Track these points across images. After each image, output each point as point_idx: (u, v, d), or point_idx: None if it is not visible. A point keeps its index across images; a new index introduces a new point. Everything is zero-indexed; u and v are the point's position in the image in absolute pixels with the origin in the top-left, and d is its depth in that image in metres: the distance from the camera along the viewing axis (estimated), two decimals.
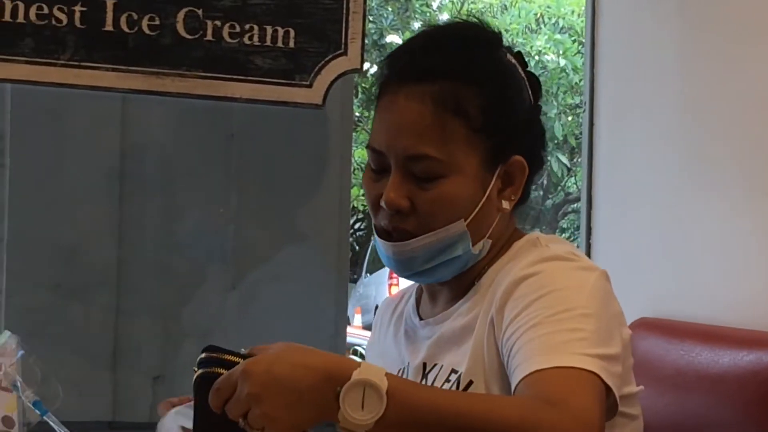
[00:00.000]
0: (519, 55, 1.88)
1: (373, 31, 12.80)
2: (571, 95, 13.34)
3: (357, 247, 14.69)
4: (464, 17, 1.90)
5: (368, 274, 13.88)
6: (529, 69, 1.88)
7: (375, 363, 1.59)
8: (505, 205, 1.82)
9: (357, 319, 12.62)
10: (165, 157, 3.33)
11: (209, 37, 2.99)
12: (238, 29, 3.01)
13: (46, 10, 2.87)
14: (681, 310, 3.13)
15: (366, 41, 3.22)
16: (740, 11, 3.09)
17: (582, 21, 11.54)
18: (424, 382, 1.80)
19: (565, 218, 15.24)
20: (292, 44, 3.05)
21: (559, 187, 15.00)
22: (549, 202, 15.17)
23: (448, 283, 1.85)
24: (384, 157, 1.79)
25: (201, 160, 3.36)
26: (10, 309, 3.15)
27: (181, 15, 2.96)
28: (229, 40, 3.00)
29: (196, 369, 1.50)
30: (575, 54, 13.06)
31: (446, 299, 1.87)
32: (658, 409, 2.82)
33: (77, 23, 2.89)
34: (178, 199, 3.34)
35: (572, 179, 14.50)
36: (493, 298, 1.74)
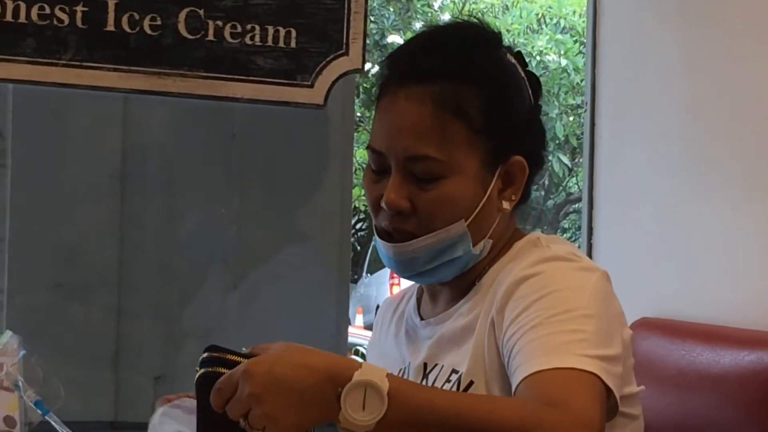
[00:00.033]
0: (519, 55, 1.88)
1: (374, 31, 12.80)
2: (573, 95, 13.34)
3: (359, 248, 14.69)
4: (464, 17, 1.90)
5: (369, 275, 13.88)
6: (529, 69, 1.88)
7: (376, 363, 1.59)
8: (506, 205, 1.82)
9: (359, 319, 12.62)
10: (166, 157, 3.33)
11: (211, 37, 2.99)
12: (239, 29, 3.01)
13: (47, 10, 2.87)
14: (682, 310, 3.13)
15: (367, 41, 3.22)
16: (741, 11, 3.09)
17: (583, 21, 11.55)
18: (424, 382, 1.80)
19: (567, 218, 15.24)
20: (293, 44, 3.05)
21: (561, 187, 14.99)
22: (550, 202, 15.17)
23: (449, 283, 1.85)
24: (384, 158, 1.79)
25: (202, 160, 3.36)
26: (12, 309, 3.15)
27: (182, 15, 2.96)
28: (230, 40, 3.00)
29: (198, 368, 1.50)
30: (577, 54, 13.06)
31: (447, 299, 1.87)
32: (659, 409, 2.82)
33: (79, 23, 2.89)
34: (179, 199, 3.34)
35: (573, 179, 14.49)
36: (493, 299, 1.74)
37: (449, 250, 1.79)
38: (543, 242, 1.83)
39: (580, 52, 12.77)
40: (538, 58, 13.23)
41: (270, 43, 3.03)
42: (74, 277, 3.23)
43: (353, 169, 3.74)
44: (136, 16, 2.93)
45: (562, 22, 13.67)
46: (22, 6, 2.84)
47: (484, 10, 13.75)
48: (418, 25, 13.26)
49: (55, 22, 2.87)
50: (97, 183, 3.26)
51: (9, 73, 2.86)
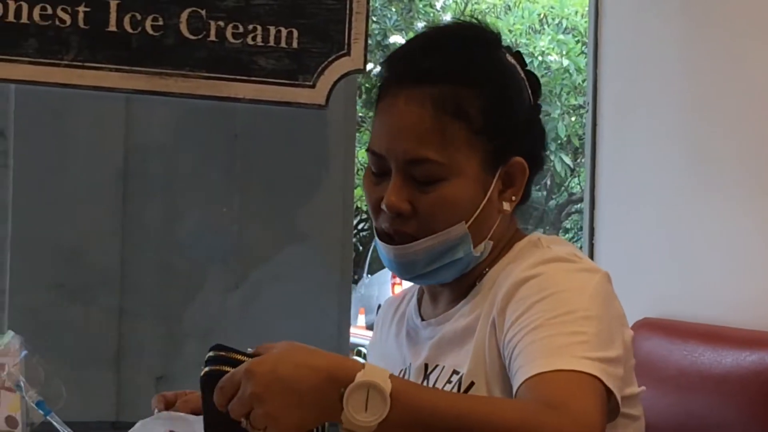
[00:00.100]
0: (518, 55, 1.88)
1: (376, 31, 12.79)
2: (575, 96, 13.34)
3: (360, 248, 14.68)
4: (463, 18, 1.90)
5: (369, 275, 13.88)
6: (528, 68, 1.88)
7: (377, 363, 1.59)
8: (506, 206, 1.82)
9: (360, 320, 12.62)
10: (168, 158, 3.33)
11: (212, 37, 2.99)
12: (241, 30, 3.01)
13: (49, 11, 2.87)
14: (684, 310, 3.13)
15: (369, 42, 3.23)
16: (744, 10, 3.09)
17: (585, 21, 11.55)
18: (425, 383, 1.80)
19: (569, 219, 15.24)
20: (295, 45, 3.05)
21: (563, 188, 14.99)
22: (552, 203, 15.17)
23: (450, 284, 1.85)
24: (384, 160, 1.78)
25: (204, 161, 3.36)
26: (14, 309, 3.15)
27: (184, 15, 2.97)
28: (232, 40, 3.01)
29: (203, 367, 1.50)
30: (579, 54, 13.06)
31: (447, 300, 1.87)
32: (661, 409, 2.82)
33: (81, 24, 2.89)
34: (180, 200, 3.34)
35: (575, 180, 14.49)
36: (494, 300, 1.74)
37: (450, 252, 1.79)
38: (544, 243, 1.83)
39: (582, 52, 12.77)
40: (540, 58, 13.23)
41: (272, 43, 3.03)
42: (76, 277, 3.24)
43: (355, 170, 3.75)
44: (138, 17, 2.94)
45: (564, 22, 13.67)
46: (24, 6, 2.85)
47: (486, 11, 13.75)
48: (420, 25, 13.26)
49: (57, 23, 2.88)
50: (98, 183, 3.26)
51: (11, 73, 2.86)
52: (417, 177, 1.76)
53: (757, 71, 3.01)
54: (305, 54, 3.06)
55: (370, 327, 11.16)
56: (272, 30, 3.03)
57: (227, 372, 1.46)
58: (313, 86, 3.07)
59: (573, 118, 13.48)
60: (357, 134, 4.01)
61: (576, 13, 13.57)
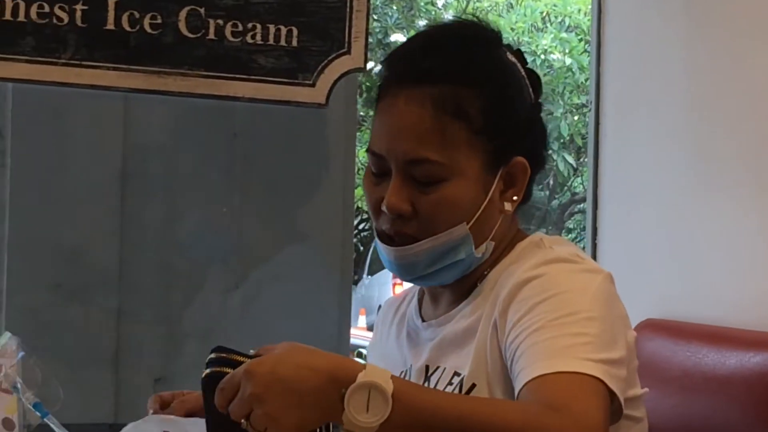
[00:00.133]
0: (519, 53, 1.87)
1: (377, 29, 12.79)
2: (577, 94, 13.33)
3: (361, 248, 14.68)
4: (463, 16, 1.89)
5: (369, 276, 13.88)
6: (529, 66, 1.88)
7: (377, 364, 1.59)
8: (508, 206, 1.82)
9: (361, 321, 12.62)
10: (167, 157, 3.33)
11: (211, 35, 2.99)
12: (240, 28, 3.01)
13: (47, 9, 2.87)
14: (687, 311, 3.13)
15: (370, 40, 3.23)
16: (746, 9, 3.09)
17: (588, 19, 11.54)
18: (426, 385, 1.80)
19: (572, 219, 15.24)
20: (295, 43, 3.05)
21: (566, 187, 14.99)
22: (555, 203, 15.17)
23: (451, 285, 1.85)
24: (384, 160, 1.78)
25: (203, 160, 3.36)
26: (11, 309, 3.15)
27: (183, 13, 2.97)
28: (231, 38, 3.01)
29: (205, 369, 1.51)
30: (582, 53, 13.05)
31: (448, 301, 1.87)
32: (664, 410, 2.82)
33: (78, 22, 2.89)
34: (180, 199, 3.34)
35: (578, 179, 14.49)
36: (496, 301, 1.74)
37: (451, 253, 1.78)
38: (546, 243, 1.82)
39: (585, 50, 12.77)
40: (542, 56, 13.23)
41: (271, 41, 3.03)
42: (74, 277, 3.24)
43: (356, 169, 3.75)
44: (137, 15, 2.93)
45: (567, 20, 13.66)
46: (21, 4, 2.85)
47: (488, 8, 13.75)
48: (421, 24, 13.26)
49: (55, 21, 2.88)
50: (97, 182, 3.26)
51: (8, 72, 2.86)
52: (417, 177, 1.75)
53: (759, 71, 3.01)
54: (305, 52, 3.06)
55: (370, 328, 11.15)
56: (272, 28, 3.03)
57: (228, 373, 1.47)
58: (313, 85, 3.07)
59: (576, 117, 13.48)
60: (357, 133, 4.01)
61: (579, 11, 13.57)
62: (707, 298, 3.12)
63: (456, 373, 1.77)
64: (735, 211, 3.07)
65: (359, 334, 10.19)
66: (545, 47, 13.43)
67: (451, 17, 2.12)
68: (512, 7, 14.08)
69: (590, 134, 3.77)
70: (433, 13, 13.61)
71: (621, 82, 3.63)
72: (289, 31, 3.04)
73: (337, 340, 3.43)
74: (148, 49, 2.95)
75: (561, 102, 13.25)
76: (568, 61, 13.31)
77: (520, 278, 1.71)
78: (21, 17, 2.85)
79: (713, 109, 3.19)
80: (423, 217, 1.76)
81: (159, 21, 2.95)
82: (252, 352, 1.49)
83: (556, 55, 13.46)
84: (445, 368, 1.80)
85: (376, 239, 1.84)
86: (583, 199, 13.01)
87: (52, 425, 1.95)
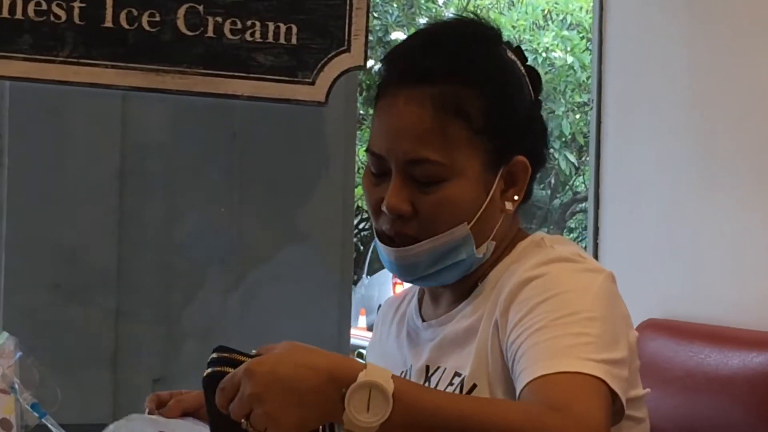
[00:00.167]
0: (518, 50, 1.87)
1: (377, 27, 12.78)
2: (579, 93, 13.32)
3: (361, 248, 14.68)
4: (462, 14, 1.89)
5: (368, 277, 13.87)
6: (528, 63, 1.88)
7: (376, 363, 1.59)
8: (509, 205, 1.81)
9: (361, 321, 12.61)
10: (166, 156, 3.33)
11: (210, 33, 2.99)
12: (239, 25, 3.01)
13: (44, 6, 2.87)
14: (689, 310, 3.14)
15: (370, 38, 3.23)
16: (748, 8, 3.09)
17: (590, 17, 11.53)
18: (426, 385, 1.80)
19: (573, 218, 15.23)
20: (294, 41, 3.05)
21: (567, 186, 14.98)
22: (557, 202, 15.15)
23: (451, 285, 1.84)
24: (384, 161, 1.78)
25: (202, 159, 3.36)
26: (9, 309, 3.15)
27: (181, 11, 2.97)
28: (230, 36, 3.01)
29: (206, 369, 1.51)
30: (583, 51, 13.05)
31: (449, 301, 1.87)
32: (666, 411, 2.82)
33: (76, 19, 2.89)
34: (179, 199, 3.34)
35: (580, 178, 14.49)
36: (497, 300, 1.74)
37: (452, 254, 1.78)
38: (547, 243, 1.82)
39: (587, 48, 12.76)
40: (544, 54, 13.22)
41: (270, 39, 3.03)
42: (72, 277, 3.24)
43: (356, 168, 3.75)
44: (135, 12, 2.93)
45: (569, 18, 13.65)
46: (19, 2, 2.85)
47: (489, 6, 13.75)
48: (422, 21, 13.24)
49: (52, 18, 2.88)
50: (95, 182, 3.26)
51: (5, 70, 2.86)
52: (417, 178, 1.75)
53: (761, 69, 3.02)
54: (304, 50, 3.06)
55: (370, 328, 11.13)
56: (271, 26, 3.03)
57: (229, 373, 1.47)
58: (312, 83, 3.07)
59: (578, 116, 13.47)
60: (358, 132, 4.01)
61: (580, 9, 13.57)
62: (709, 297, 3.12)
63: (457, 374, 1.77)
64: (738, 210, 3.07)
65: (359, 334, 10.18)
66: (546, 45, 13.41)
67: (451, 15, 2.11)
68: (513, 5, 14.07)
69: (592, 133, 3.77)
70: (434, 10, 13.60)
71: (623, 80, 3.63)
72: (289, 29, 3.04)
73: (337, 340, 3.43)
74: (147, 47, 2.95)
75: (562, 100, 13.24)
76: (570, 59, 13.30)
77: (521, 278, 1.71)
78: (18, 14, 2.85)
79: (715, 107, 3.19)
80: (423, 218, 1.76)
81: (157, 18, 2.95)
82: (254, 351, 1.49)
83: (557, 53, 13.45)
84: (445, 368, 1.80)
85: (376, 240, 1.84)
86: (585, 198, 13.01)
87: (50, 426, 1.95)
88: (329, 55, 3.07)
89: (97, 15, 2.90)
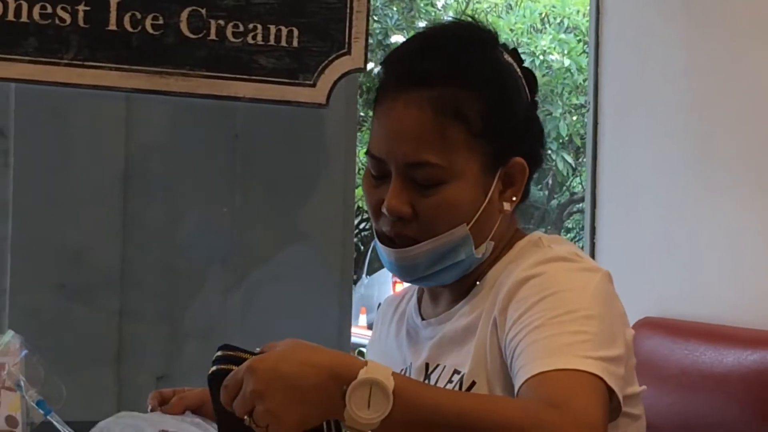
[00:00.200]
0: (514, 52, 1.87)
1: (377, 30, 12.78)
2: (576, 95, 13.32)
3: (362, 247, 14.68)
4: (459, 17, 1.89)
5: (368, 276, 13.87)
6: (524, 65, 1.88)
7: (376, 361, 1.59)
8: (507, 206, 1.82)
9: (362, 320, 12.60)
10: (169, 157, 3.33)
11: (213, 36, 2.99)
12: (241, 29, 3.01)
13: (49, 10, 2.87)
14: (685, 309, 3.14)
15: (371, 41, 3.23)
16: (745, 10, 3.09)
17: (587, 21, 11.52)
18: (426, 383, 1.80)
19: (570, 218, 15.23)
20: (295, 44, 3.05)
21: (564, 187, 14.98)
22: (554, 202, 15.16)
23: (450, 284, 1.84)
24: (384, 163, 1.78)
25: (205, 160, 3.36)
26: (15, 309, 3.15)
27: (184, 14, 2.97)
28: (232, 39, 3.01)
29: (212, 366, 1.51)
30: (580, 54, 13.05)
31: (448, 300, 1.87)
32: (662, 408, 2.82)
33: (81, 23, 2.89)
34: (181, 200, 3.34)
35: (577, 179, 14.48)
36: (495, 299, 1.74)
37: (451, 255, 1.78)
38: (545, 242, 1.82)
39: (584, 51, 12.76)
40: (541, 57, 13.22)
41: (272, 42, 3.03)
42: (77, 277, 3.24)
43: (356, 169, 3.75)
44: (138, 16, 2.94)
45: (566, 21, 13.65)
46: (24, 5, 2.85)
47: (488, 10, 13.75)
48: (421, 25, 13.24)
49: (57, 22, 2.88)
50: (99, 183, 3.26)
51: (11, 72, 2.86)
52: (417, 180, 1.75)
53: (757, 71, 3.02)
54: (306, 53, 3.06)
55: (371, 326, 11.11)
56: (272, 29, 3.03)
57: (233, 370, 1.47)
58: (313, 85, 3.07)
59: (575, 118, 13.46)
60: (358, 134, 4.01)
61: (577, 12, 13.57)
62: (705, 296, 3.12)
63: (456, 371, 1.77)
64: (733, 211, 3.08)
65: (360, 332, 10.18)
66: (544, 48, 13.41)
67: (449, 18, 2.11)
68: (511, 9, 14.07)
69: (589, 134, 3.77)
70: (433, 14, 13.60)
71: (619, 82, 3.63)
72: (290, 32, 3.04)
73: (338, 339, 3.43)
74: (150, 50, 2.95)
75: (560, 102, 13.24)
76: (567, 62, 13.30)
77: (519, 277, 1.71)
78: (24, 18, 2.85)
79: (712, 109, 3.19)
80: (423, 219, 1.76)
81: (161, 22, 2.95)
82: (258, 350, 1.50)
83: (554, 56, 13.45)
84: (445, 366, 1.80)
85: (377, 241, 1.84)
86: (582, 199, 13.00)
87: (55, 423, 1.95)
88: (330, 58, 3.07)
89: (101, 18, 2.90)
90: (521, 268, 1.73)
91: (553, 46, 13.44)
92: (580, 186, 14.18)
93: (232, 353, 1.50)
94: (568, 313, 1.63)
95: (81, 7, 2.89)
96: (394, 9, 13.54)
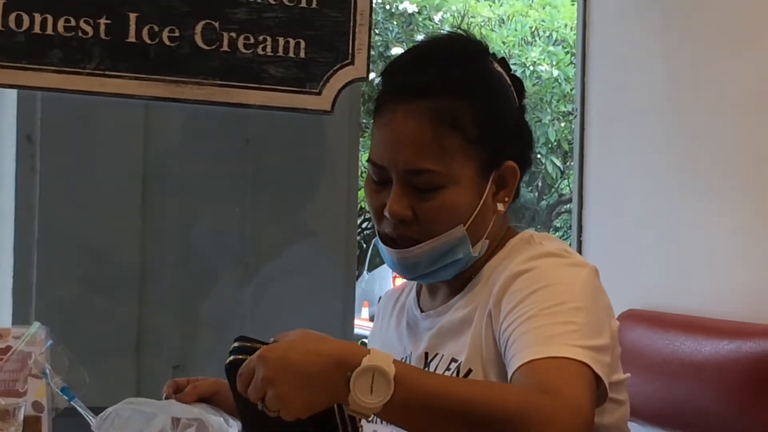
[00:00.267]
0: (503, 61, 1.87)
1: (378, 43, 12.77)
2: (564, 103, 13.31)
3: (364, 245, 14.67)
4: (454, 29, 1.89)
5: (368, 273, 13.86)
6: (512, 72, 1.88)
7: None
8: (500, 207, 1.82)
9: (364, 312, 12.60)
10: (185, 161, 3.33)
11: (225, 47, 2.98)
12: (252, 40, 3.01)
13: (73, 23, 2.87)
14: (666, 302, 3.14)
15: (372, 52, 3.22)
16: (721, 25, 3.09)
17: (574, 34, 11.52)
18: (426, 370, 1.80)
19: (559, 218, 15.22)
20: (302, 54, 3.05)
21: (553, 189, 14.97)
22: (543, 203, 15.14)
23: (447, 280, 1.85)
24: (385, 170, 1.78)
25: (218, 164, 3.36)
26: (41, 302, 3.15)
27: (199, 27, 2.96)
28: (243, 50, 3.00)
29: (228, 356, 1.52)
30: (568, 65, 13.03)
31: (445, 293, 1.87)
32: (646, 395, 2.82)
33: (102, 35, 2.89)
34: (196, 200, 3.34)
35: (565, 181, 14.47)
36: (490, 293, 1.74)
37: (450, 253, 1.79)
38: (536, 240, 1.83)
39: (571, 62, 12.74)
40: (531, 68, 13.20)
41: (281, 53, 3.03)
42: (99, 272, 3.24)
43: (359, 172, 3.74)
44: (156, 28, 2.93)
45: (555, 34, 13.63)
46: (50, 19, 2.85)
47: (482, 24, 13.73)
48: (419, 38, 13.22)
49: (80, 34, 2.87)
50: (120, 184, 3.26)
51: (37, 81, 2.86)
52: (417, 185, 1.76)
53: (733, 81, 3.01)
54: (312, 63, 3.05)
55: (372, 318, 11.09)
56: (281, 41, 3.03)
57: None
58: (319, 93, 3.07)
59: (562, 124, 13.45)
60: (361, 139, 4.01)
61: (565, 26, 13.55)
62: (684, 290, 3.12)
63: (453, 359, 1.77)
64: (709, 211, 3.07)
65: (362, 324, 10.17)
66: (534, 59, 13.40)
67: (443, 32, 2.10)
68: (504, 23, 14.05)
69: (576, 140, 3.77)
70: (431, 27, 13.58)
71: (604, 91, 3.63)
72: (298, 44, 3.04)
73: (342, 330, 3.43)
74: (167, 60, 2.94)
75: (549, 110, 13.22)
76: (556, 72, 13.28)
77: (512, 271, 1.72)
78: (49, 31, 2.85)
79: (689, 116, 3.19)
80: (423, 222, 1.77)
81: (177, 34, 2.95)
82: (272, 339, 1.50)
83: (544, 67, 13.44)
84: (443, 355, 1.80)
85: (379, 242, 1.84)
86: (570, 200, 12.99)
87: (78, 408, 1.95)
88: (335, 68, 3.07)
89: (121, 31, 2.90)
90: (514, 263, 1.74)
91: (542, 57, 13.43)
92: (568, 188, 14.17)
93: (247, 344, 1.50)
94: (558, 305, 1.63)
95: (102, 21, 2.89)
96: (395, 23, 13.52)
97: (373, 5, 3.14)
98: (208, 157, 3.35)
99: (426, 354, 1.84)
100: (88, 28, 2.88)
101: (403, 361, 1.86)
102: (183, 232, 3.33)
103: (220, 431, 1.77)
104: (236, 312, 3.35)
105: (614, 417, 1.77)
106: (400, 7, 13.19)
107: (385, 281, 12.29)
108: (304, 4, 3.05)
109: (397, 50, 12.76)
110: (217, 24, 2.98)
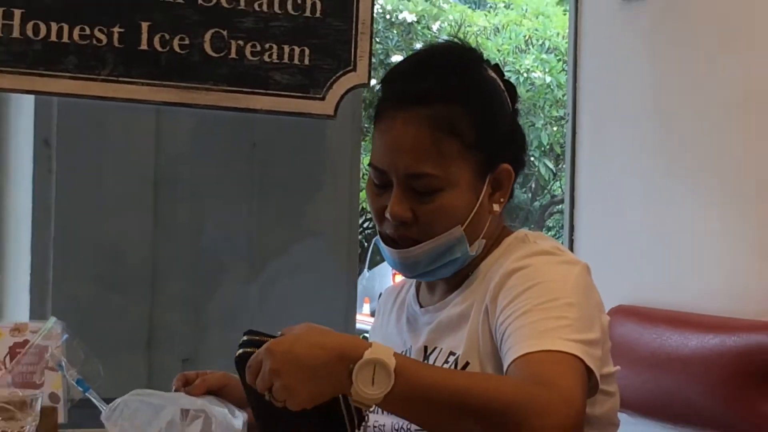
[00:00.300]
0: (497, 68, 1.88)
1: (380, 51, 12.76)
2: (556, 108, 13.30)
3: (365, 244, 14.67)
4: (450, 38, 1.89)
5: (368, 271, 13.85)
6: (506, 78, 1.89)
7: None
8: (496, 207, 1.82)
9: (365, 308, 12.59)
10: (194, 164, 3.33)
11: (233, 55, 2.98)
12: (259, 48, 3.01)
13: (87, 31, 2.87)
14: (654, 298, 3.14)
15: (373, 60, 3.22)
16: (707, 33, 3.09)
17: (566, 42, 11.51)
18: (425, 363, 1.80)
19: (551, 218, 15.21)
20: (307, 62, 3.05)
21: (546, 190, 14.96)
22: (537, 204, 15.14)
23: (446, 277, 1.85)
24: (386, 174, 1.79)
25: (226, 166, 3.36)
26: (58, 298, 3.15)
27: (208, 35, 2.96)
28: (251, 58, 3.00)
29: (238, 350, 1.52)
30: (560, 72, 13.03)
31: (443, 290, 1.87)
32: (635, 387, 2.83)
33: (116, 43, 2.89)
34: (206, 202, 3.34)
35: (558, 183, 14.47)
36: (486, 289, 1.75)
37: (448, 253, 1.79)
38: (530, 238, 1.83)
39: (563, 69, 12.74)
40: (525, 75, 13.20)
41: (286, 60, 3.03)
42: (112, 271, 3.23)
43: (360, 174, 3.75)
44: (167, 37, 2.93)
45: (547, 43, 13.63)
46: (65, 27, 2.84)
47: (478, 32, 13.73)
48: (418, 46, 13.22)
49: (95, 42, 2.87)
50: (132, 187, 3.26)
51: (54, 87, 2.86)
52: (417, 188, 1.76)
53: (719, 87, 3.02)
54: (316, 70, 3.05)
55: (373, 314, 11.06)
56: (287, 48, 3.03)
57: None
58: (323, 99, 3.07)
59: (555, 128, 13.44)
60: (363, 143, 4.01)
61: (558, 34, 13.54)
62: (672, 287, 3.12)
63: (451, 353, 1.77)
64: (696, 212, 3.08)
65: (364, 319, 10.17)
66: (528, 67, 13.39)
67: (440, 40, 2.11)
68: (498, 32, 14.04)
69: (568, 143, 3.77)
70: (429, 36, 13.58)
71: (595, 96, 3.63)
72: (302, 51, 3.04)
73: (345, 325, 3.43)
74: (178, 67, 2.94)
75: (542, 115, 13.22)
76: (548, 79, 13.28)
77: (508, 269, 1.72)
78: (65, 38, 2.85)
79: (677, 120, 3.19)
80: (423, 223, 1.77)
81: (187, 42, 2.95)
82: (279, 333, 1.51)
83: (537, 74, 13.43)
84: (441, 349, 1.80)
85: (381, 242, 1.84)
86: (562, 201, 12.97)
87: (92, 399, 1.95)
88: (337, 74, 3.07)
89: (134, 39, 2.90)
90: (510, 261, 1.74)
91: (535, 64, 13.42)
92: (560, 189, 14.16)
93: (255, 337, 1.51)
94: (551, 301, 1.63)
95: (116, 29, 2.89)
96: (395, 32, 13.52)
97: (374, 15, 3.14)
98: (216, 159, 3.35)
99: (425, 347, 1.84)
100: (102, 37, 2.88)
101: (404, 354, 1.87)
102: (193, 232, 3.33)
103: (224, 421, 1.77)
104: (244, 308, 3.35)
105: (605, 408, 1.77)
106: (400, 17, 13.20)
107: (385, 278, 12.28)
108: (308, 13, 3.05)
109: (396, 57, 12.75)
110: (225, 32, 2.98)
